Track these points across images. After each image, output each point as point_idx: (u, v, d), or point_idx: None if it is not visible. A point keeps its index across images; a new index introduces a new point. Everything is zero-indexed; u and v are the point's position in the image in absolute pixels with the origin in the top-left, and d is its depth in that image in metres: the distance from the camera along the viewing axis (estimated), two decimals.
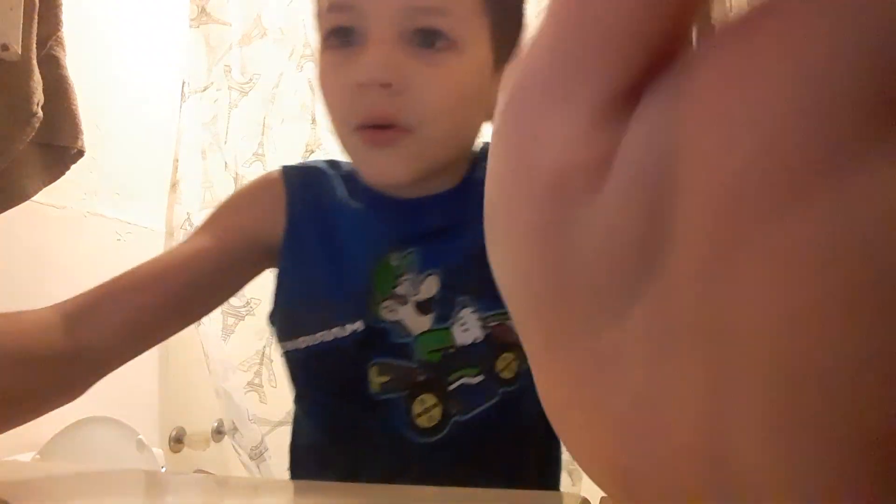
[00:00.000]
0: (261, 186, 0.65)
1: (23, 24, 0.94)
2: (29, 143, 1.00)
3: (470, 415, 0.57)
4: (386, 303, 0.58)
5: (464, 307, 0.57)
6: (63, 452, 1.15)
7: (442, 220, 0.60)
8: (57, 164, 1.09)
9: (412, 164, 0.55)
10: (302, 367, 0.61)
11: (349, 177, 0.63)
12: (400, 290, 0.58)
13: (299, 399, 0.64)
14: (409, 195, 0.60)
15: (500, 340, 0.58)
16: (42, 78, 0.99)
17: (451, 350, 0.57)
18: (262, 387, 1.63)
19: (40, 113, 0.99)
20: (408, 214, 0.60)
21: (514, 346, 0.57)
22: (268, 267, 0.63)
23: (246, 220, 0.62)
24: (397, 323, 0.57)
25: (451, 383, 0.57)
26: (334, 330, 0.57)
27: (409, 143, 0.53)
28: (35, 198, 1.11)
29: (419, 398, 0.57)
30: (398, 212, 0.60)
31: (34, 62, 0.98)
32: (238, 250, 0.59)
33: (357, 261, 0.59)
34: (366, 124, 0.53)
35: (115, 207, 1.51)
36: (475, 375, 0.57)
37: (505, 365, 0.58)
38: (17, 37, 0.93)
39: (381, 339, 0.57)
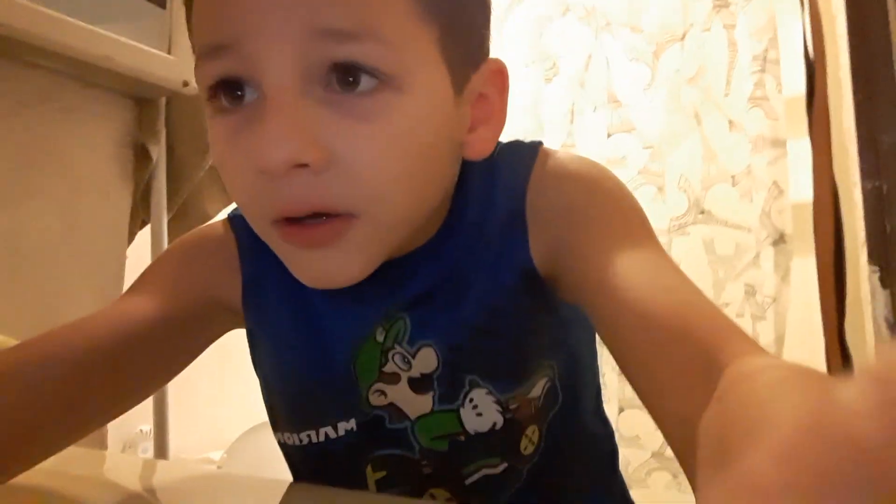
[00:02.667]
0: (207, 239, 0.51)
1: None
2: (209, 168, 1.04)
3: None
4: (375, 386, 0.47)
5: (475, 387, 0.46)
6: (249, 451, 1.16)
7: (431, 280, 0.46)
8: None
9: (364, 259, 0.39)
10: (292, 460, 0.52)
11: None
12: (389, 367, 0.46)
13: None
14: (389, 256, 0.45)
15: (524, 417, 0.47)
16: None
17: (462, 437, 0.46)
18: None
19: None
20: (388, 280, 0.45)
21: (538, 417, 0.47)
22: (227, 330, 0.52)
23: (195, 277, 0.49)
24: (390, 406, 0.47)
25: (467, 476, 0.48)
26: (324, 430, 0.48)
27: (356, 235, 0.37)
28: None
29: (428, 492, 0.48)
30: (375, 280, 0.43)
31: None
32: (188, 313, 0.47)
33: (335, 345, 0.48)
34: (288, 217, 0.36)
35: None
36: (498, 465, 0.47)
37: (527, 441, 0.48)
38: None
39: (376, 429, 0.47)
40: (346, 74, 0.34)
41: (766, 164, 1.41)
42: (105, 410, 0.46)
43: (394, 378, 0.46)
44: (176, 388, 0.99)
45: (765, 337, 1.35)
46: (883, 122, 1.17)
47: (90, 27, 0.87)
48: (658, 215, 1.54)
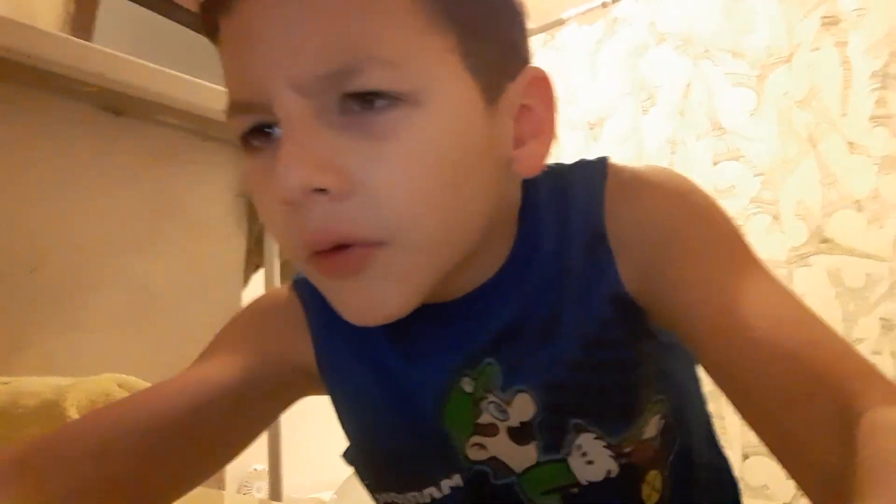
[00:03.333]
0: (273, 306, 0.50)
1: None
2: None
3: None
4: (473, 439, 0.43)
5: (581, 431, 0.42)
6: (358, 492, 1.16)
7: (513, 314, 0.42)
8: None
9: (404, 286, 0.36)
10: None
11: None
12: (484, 418, 0.43)
13: None
14: (453, 294, 0.42)
15: (642, 461, 0.43)
16: None
17: (575, 490, 0.42)
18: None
19: None
20: (462, 320, 0.43)
21: (658, 460, 0.43)
22: (306, 395, 0.50)
23: (266, 343, 0.47)
24: (492, 460, 0.43)
25: None
26: (428, 491, 0.45)
27: (389, 262, 0.35)
28: None
29: None
30: (451, 323, 0.43)
31: None
32: (260, 379, 0.45)
33: (418, 400, 0.44)
34: (316, 250, 0.35)
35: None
36: None
37: (650, 489, 0.43)
38: None
39: (480, 486, 0.44)
40: (360, 100, 0.33)
41: (895, 187, 1.30)
42: (179, 481, 0.43)
43: (491, 429, 0.43)
44: (289, 426, 1.00)
45: None
46: None
47: (208, 84, 0.93)
48: (775, 246, 1.45)
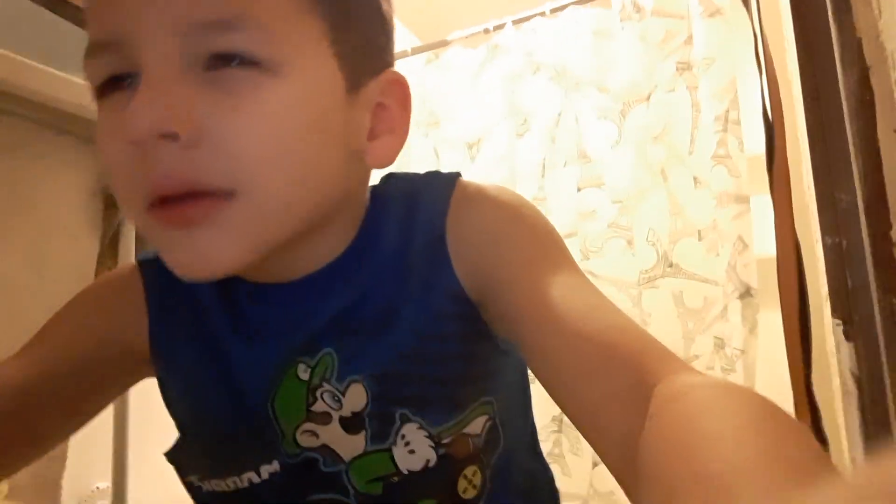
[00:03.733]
0: (111, 285, 0.50)
1: None
2: None
3: None
4: (305, 426, 0.44)
5: (406, 422, 0.44)
6: None
7: (346, 300, 0.44)
8: None
9: (242, 243, 0.37)
10: None
11: None
12: (318, 406, 0.44)
13: None
14: (288, 277, 0.44)
15: (460, 455, 0.45)
16: None
17: (395, 479, 0.44)
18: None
19: None
20: (298, 303, 0.44)
21: (477, 457, 0.45)
22: (142, 377, 0.50)
23: (100, 321, 0.48)
24: (323, 448, 0.44)
25: None
26: (246, 475, 0.45)
27: (232, 215, 0.36)
28: None
29: None
30: (285, 304, 0.44)
31: None
32: (91, 363, 0.46)
33: (248, 382, 0.45)
34: (160, 196, 0.35)
35: None
36: None
37: (467, 483, 0.45)
38: None
39: (309, 472, 0.44)
40: (224, 60, 0.35)
41: (730, 219, 1.45)
42: (17, 456, 0.44)
43: (325, 418, 0.44)
44: (137, 442, 0.95)
45: None
46: (839, 181, 1.22)
47: (65, 75, 0.88)
48: (628, 268, 1.57)
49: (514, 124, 1.80)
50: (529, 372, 0.54)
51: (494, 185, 0.48)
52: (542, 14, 1.84)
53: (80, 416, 0.47)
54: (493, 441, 0.47)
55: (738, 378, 1.37)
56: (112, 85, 0.37)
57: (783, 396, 1.27)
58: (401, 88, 0.44)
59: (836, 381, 1.25)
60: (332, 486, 0.44)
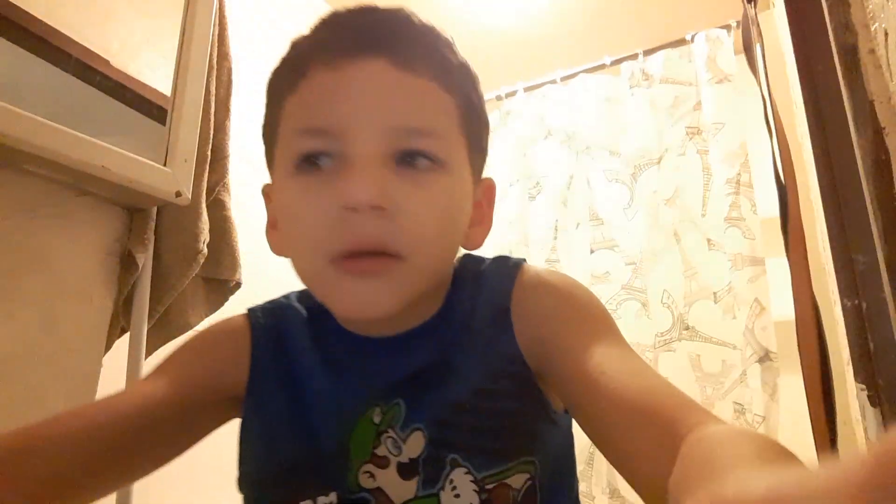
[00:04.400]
0: (224, 330, 0.57)
1: (195, 173, 1.03)
2: (193, 277, 1.07)
3: None
4: (366, 467, 0.50)
5: (455, 466, 0.49)
6: None
7: (428, 358, 0.53)
8: (217, 296, 1.15)
9: (399, 295, 0.48)
10: None
11: (317, 316, 0.56)
12: (381, 450, 0.50)
13: None
14: (385, 332, 0.53)
15: (501, 503, 0.49)
16: (209, 219, 1.07)
17: None
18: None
19: (205, 250, 1.05)
20: (389, 356, 0.53)
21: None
22: (233, 417, 0.55)
23: (207, 366, 0.54)
24: (377, 491, 0.49)
25: None
26: (304, 503, 0.49)
27: (399, 273, 0.47)
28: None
29: None
30: (376, 356, 0.53)
31: (203, 206, 1.05)
32: (197, 399, 0.52)
33: (329, 420, 0.52)
34: (353, 251, 0.46)
35: None
36: None
37: None
38: (189, 185, 1.01)
39: None
40: (413, 158, 0.47)
41: (746, 282, 1.43)
42: (114, 481, 0.49)
43: (384, 462, 0.50)
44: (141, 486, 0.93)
45: None
46: (855, 242, 1.21)
47: (87, 138, 0.90)
48: (643, 331, 1.55)
49: (527, 187, 1.82)
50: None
51: (552, 271, 0.57)
52: (553, 82, 1.89)
53: (170, 450, 0.52)
54: (530, 500, 0.51)
55: None
56: (307, 160, 0.48)
57: (808, 464, 1.22)
58: (492, 191, 0.58)
59: (863, 448, 1.20)
60: None
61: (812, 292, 1.32)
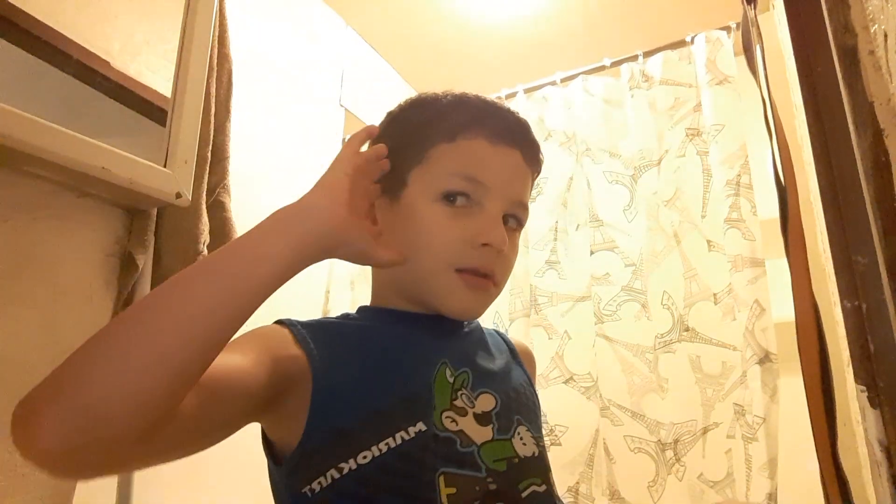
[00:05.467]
0: (266, 331, 0.64)
1: (195, 175, 1.04)
2: None
3: None
4: (447, 413, 0.63)
5: (519, 424, 0.68)
6: None
7: (457, 332, 0.74)
8: None
9: (485, 308, 0.71)
10: (366, 485, 0.57)
11: (352, 319, 0.72)
12: (458, 402, 0.64)
13: None
14: (427, 312, 0.72)
15: (546, 461, 0.70)
16: (209, 220, 1.09)
17: (516, 460, 0.64)
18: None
19: (206, 252, 1.06)
20: (449, 329, 0.73)
21: (550, 470, 0.70)
22: (262, 413, 0.59)
23: (273, 347, 0.60)
24: (460, 432, 0.62)
25: (522, 491, 0.63)
26: (399, 434, 0.59)
27: (491, 294, 0.71)
28: None
29: None
30: (440, 326, 0.71)
31: (203, 207, 1.07)
32: (269, 379, 0.57)
33: (416, 369, 0.65)
34: (476, 270, 0.68)
35: None
36: (540, 484, 0.65)
37: (551, 477, 0.69)
38: (189, 186, 1.03)
39: (446, 448, 0.60)
40: (511, 220, 0.72)
41: (746, 283, 1.43)
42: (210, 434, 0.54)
43: (462, 411, 0.64)
44: (142, 482, 0.93)
45: (758, 459, 1.31)
46: (856, 244, 1.21)
47: (88, 139, 0.90)
48: (643, 332, 1.55)
49: None
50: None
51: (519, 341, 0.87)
52: (553, 83, 1.89)
53: (244, 419, 0.57)
54: (548, 482, 0.69)
55: (761, 447, 1.32)
56: (448, 196, 0.68)
57: (809, 466, 1.22)
58: None
59: (864, 450, 1.20)
60: (465, 463, 0.60)
61: (812, 294, 1.32)
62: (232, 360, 0.53)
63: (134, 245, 1.00)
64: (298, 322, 0.66)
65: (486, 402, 0.66)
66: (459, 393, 0.65)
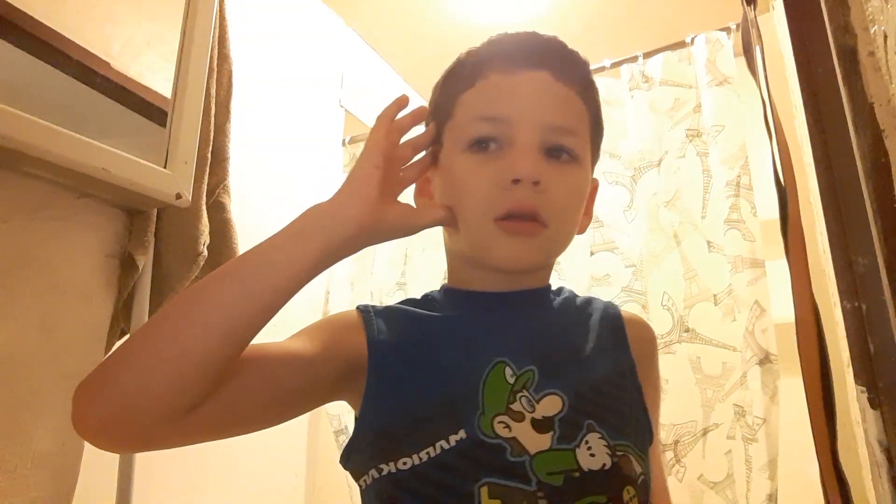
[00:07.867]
0: (339, 317, 0.66)
1: (195, 175, 1.04)
2: (193, 279, 1.07)
3: None
4: (500, 418, 0.57)
5: (590, 431, 0.58)
6: None
7: (538, 311, 0.67)
8: None
9: (540, 254, 0.64)
10: (404, 491, 0.56)
11: (430, 301, 0.69)
12: (516, 406, 0.58)
13: None
14: (503, 288, 0.66)
15: (625, 471, 0.58)
16: (209, 221, 1.08)
17: (576, 474, 0.55)
18: None
19: (206, 252, 1.06)
20: (530, 302, 0.67)
21: (634, 481, 0.58)
22: (336, 396, 0.62)
23: (339, 337, 0.61)
24: (512, 440, 0.56)
25: None
26: (439, 443, 0.55)
27: (543, 237, 0.61)
28: None
29: None
30: (519, 302, 0.66)
31: (203, 208, 1.06)
32: (330, 365, 0.59)
33: (462, 367, 0.60)
34: (513, 214, 0.60)
35: (273, 337, 1.53)
36: (607, 502, 0.56)
37: (629, 497, 0.57)
38: (189, 187, 1.02)
39: (493, 456, 0.55)
40: (558, 151, 0.62)
41: (746, 284, 1.43)
42: (277, 412, 0.57)
43: (519, 416, 0.57)
44: (142, 483, 0.93)
45: (758, 460, 1.31)
46: (856, 245, 1.21)
47: (88, 140, 0.90)
48: None
49: None
50: None
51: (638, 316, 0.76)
52: None
53: (308, 400, 0.59)
54: (644, 490, 0.59)
55: (761, 448, 1.32)
56: (478, 143, 0.62)
57: (809, 467, 1.22)
58: (596, 190, 0.72)
59: (864, 451, 1.20)
60: (513, 474, 0.54)
61: (812, 294, 1.32)
62: (294, 345, 0.58)
63: (134, 246, 1.00)
64: (372, 308, 0.65)
65: (549, 406, 0.58)
66: (519, 395, 0.58)
